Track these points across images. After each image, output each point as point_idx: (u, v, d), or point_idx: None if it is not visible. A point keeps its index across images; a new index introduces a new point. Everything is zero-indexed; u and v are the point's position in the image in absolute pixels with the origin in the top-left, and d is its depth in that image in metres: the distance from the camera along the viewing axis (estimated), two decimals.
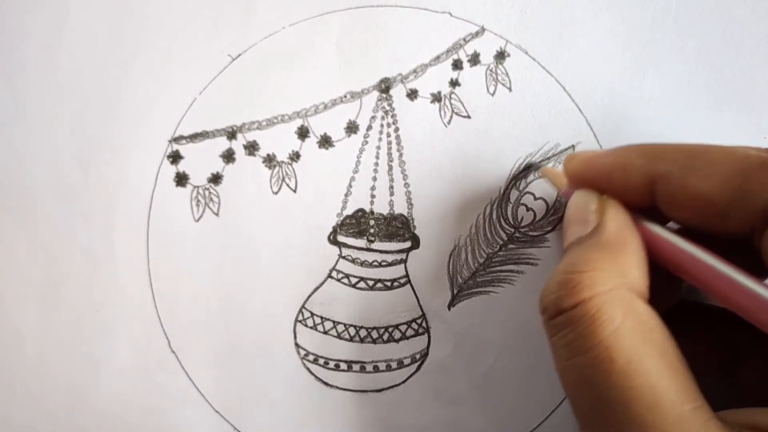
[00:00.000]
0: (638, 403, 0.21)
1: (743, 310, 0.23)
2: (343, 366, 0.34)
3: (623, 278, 0.23)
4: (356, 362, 0.34)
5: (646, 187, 0.25)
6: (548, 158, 0.33)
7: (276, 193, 0.34)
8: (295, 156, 0.34)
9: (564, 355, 0.23)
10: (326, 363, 0.34)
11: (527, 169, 0.33)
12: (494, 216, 0.34)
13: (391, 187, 0.34)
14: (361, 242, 0.34)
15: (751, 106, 0.34)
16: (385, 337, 0.34)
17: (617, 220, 0.25)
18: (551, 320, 0.24)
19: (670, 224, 0.27)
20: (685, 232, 0.25)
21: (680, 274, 0.25)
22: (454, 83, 0.33)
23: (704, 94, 0.34)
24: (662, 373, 0.21)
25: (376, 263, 0.34)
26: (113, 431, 0.33)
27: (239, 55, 0.34)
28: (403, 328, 0.34)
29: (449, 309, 0.33)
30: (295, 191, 0.34)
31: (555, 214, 0.34)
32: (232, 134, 0.34)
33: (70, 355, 0.33)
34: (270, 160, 0.34)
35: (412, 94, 0.33)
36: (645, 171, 0.25)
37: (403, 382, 0.34)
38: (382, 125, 0.34)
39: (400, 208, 0.34)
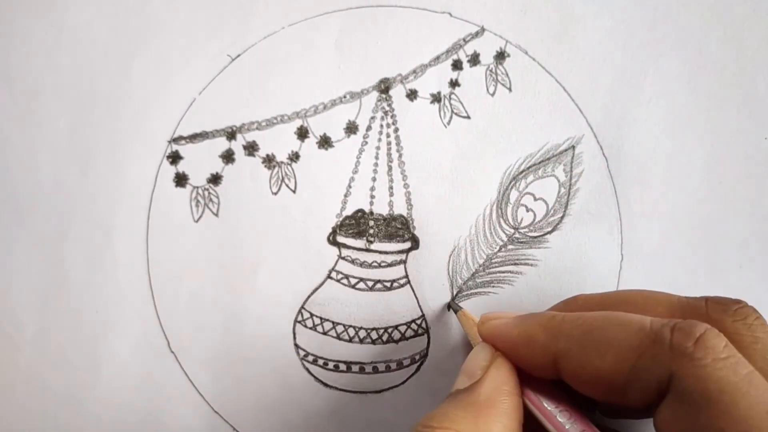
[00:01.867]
0: None
1: None
2: (343, 367, 0.34)
3: None
4: (356, 363, 0.34)
5: (550, 362, 0.25)
6: (549, 159, 0.33)
7: (275, 193, 0.34)
8: (295, 156, 0.34)
9: None
10: (326, 364, 0.34)
11: (447, 307, 0.33)
12: (494, 217, 0.33)
13: (391, 187, 0.34)
14: (361, 243, 0.34)
15: (752, 106, 0.34)
16: (385, 337, 0.34)
17: (496, 380, 0.26)
18: None
19: None
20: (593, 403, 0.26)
21: None
22: (454, 83, 0.33)
23: (705, 95, 0.33)
24: None
25: (375, 264, 0.34)
26: (112, 430, 0.33)
27: (239, 55, 0.34)
28: (402, 328, 0.33)
29: (449, 310, 0.33)
30: (294, 192, 0.34)
31: (555, 215, 0.33)
32: (231, 135, 0.34)
33: (71, 356, 0.33)
34: (269, 161, 0.34)
35: (412, 95, 0.33)
36: (546, 347, 0.25)
37: (403, 382, 0.34)
38: (381, 126, 0.33)
39: (400, 209, 0.34)
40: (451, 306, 0.33)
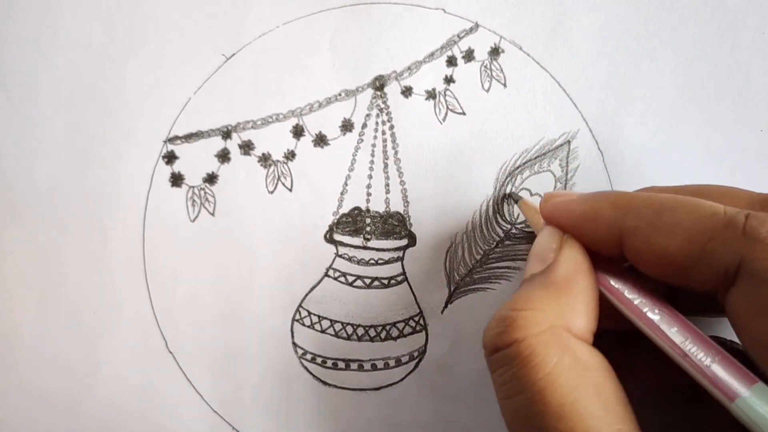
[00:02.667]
0: None
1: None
2: (341, 364, 0.34)
3: (562, 319, 0.23)
4: (354, 360, 0.34)
5: (615, 239, 0.25)
6: (544, 154, 0.33)
7: (272, 192, 0.34)
8: (291, 155, 0.34)
9: (501, 393, 0.23)
10: (324, 362, 0.34)
11: (505, 197, 0.33)
12: (490, 212, 0.33)
13: (387, 185, 0.34)
14: (358, 240, 0.34)
15: (747, 99, 0.34)
16: (383, 335, 0.33)
17: (571, 260, 0.25)
18: (489, 357, 0.24)
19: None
20: (655, 283, 0.25)
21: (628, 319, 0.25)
22: (449, 80, 0.33)
23: (700, 88, 0.33)
24: (597, 415, 0.21)
25: (372, 261, 0.34)
26: None
27: (233, 54, 0.34)
28: (400, 325, 0.33)
29: (446, 306, 0.33)
30: (290, 190, 0.34)
31: None
32: (227, 134, 0.34)
33: (68, 357, 0.33)
34: (265, 160, 0.34)
35: (407, 92, 0.33)
36: (613, 224, 0.25)
37: (402, 380, 0.34)
38: (377, 123, 0.33)
39: (396, 206, 0.34)
40: (512, 195, 0.33)
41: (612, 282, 0.25)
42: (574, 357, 0.22)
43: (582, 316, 0.24)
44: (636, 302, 0.24)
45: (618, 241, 0.25)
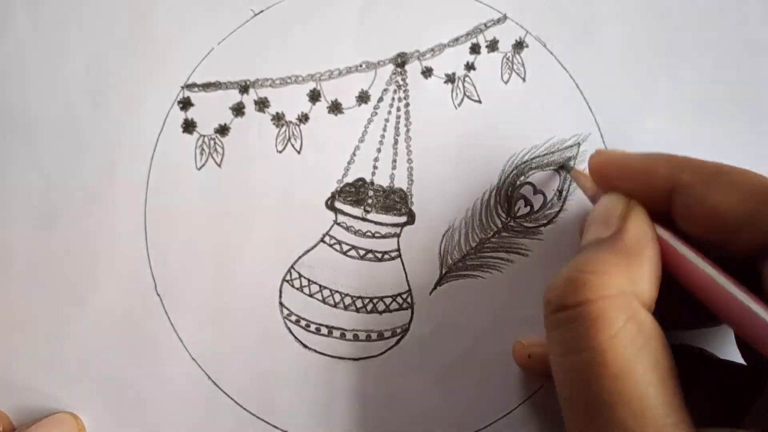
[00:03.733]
0: (624, 409, 0.21)
1: (742, 328, 0.23)
2: (324, 330, 0.34)
3: (632, 286, 0.23)
4: (337, 328, 0.34)
5: (666, 195, 0.25)
6: (553, 152, 0.34)
7: (280, 151, 0.34)
8: (304, 118, 0.34)
9: (559, 350, 0.23)
10: (307, 325, 0.34)
11: (560, 168, 0.33)
12: (492, 202, 0.34)
13: (394, 160, 0.34)
14: (358, 211, 0.34)
15: (763, 128, 0.34)
16: (369, 307, 0.34)
17: (639, 227, 0.25)
18: (552, 314, 0.24)
19: None
20: (696, 246, 0.26)
21: (690, 289, 0.25)
22: (470, 67, 0.34)
23: (715, 109, 0.34)
24: (652, 384, 0.22)
25: (369, 234, 0.34)
26: (90, 363, 0.33)
27: (262, 11, 0.34)
28: (387, 300, 0.34)
29: (435, 288, 0.34)
30: (299, 152, 0.34)
31: (552, 208, 0.34)
32: (244, 88, 0.34)
33: (57, 284, 0.34)
34: (278, 119, 0.34)
35: (427, 72, 0.34)
36: (668, 179, 0.25)
37: (381, 353, 0.34)
38: (393, 99, 0.34)
39: (401, 183, 0.34)
40: (565, 166, 0.33)
41: (674, 243, 0.25)
42: (639, 325, 0.22)
43: (649, 285, 0.24)
44: (697, 263, 0.24)
45: (668, 199, 0.25)
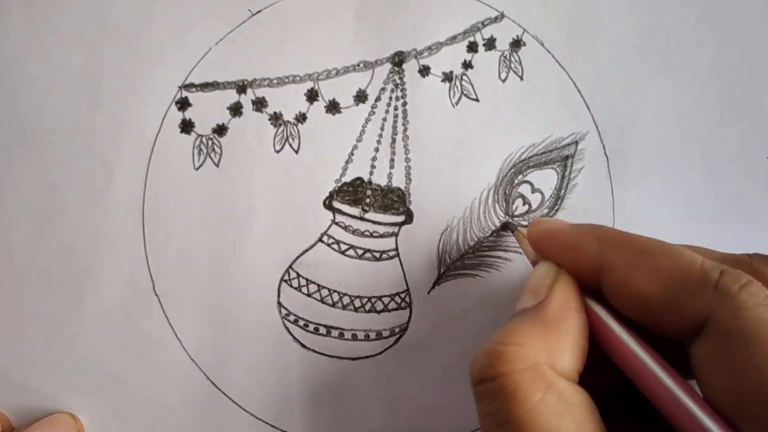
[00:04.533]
0: None
1: (665, 411, 0.23)
2: (323, 330, 0.34)
3: (548, 356, 0.24)
4: (335, 328, 0.34)
5: (595, 272, 0.26)
6: (551, 151, 0.34)
7: (278, 151, 0.34)
8: (302, 117, 0.34)
9: (485, 424, 0.24)
10: (306, 325, 0.34)
11: (503, 226, 0.33)
12: (490, 201, 0.34)
13: (392, 160, 0.34)
14: (356, 211, 0.34)
15: (758, 125, 0.34)
16: (367, 306, 0.34)
17: (563, 298, 0.26)
18: (475, 388, 0.24)
19: None
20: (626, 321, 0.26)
21: (615, 361, 0.25)
22: (467, 65, 0.34)
23: (713, 108, 0.34)
24: None
25: (367, 233, 0.34)
26: (88, 364, 0.33)
27: (259, 11, 0.34)
28: (386, 300, 0.34)
29: (434, 287, 0.34)
30: (297, 152, 0.34)
31: (549, 207, 0.34)
32: (242, 88, 0.34)
33: (55, 285, 0.34)
34: (276, 119, 0.34)
35: (425, 71, 0.34)
36: (595, 256, 0.26)
37: (380, 353, 0.34)
38: (390, 98, 0.34)
39: (399, 182, 0.34)
40: (509, 225, 0.33)
41: (602, 314, 0.26)
42: (557, 394, 0.23)
43: (568, 355, 0.24)
44: (624, 339, 0.25)
45: (596, 274, 0.26)
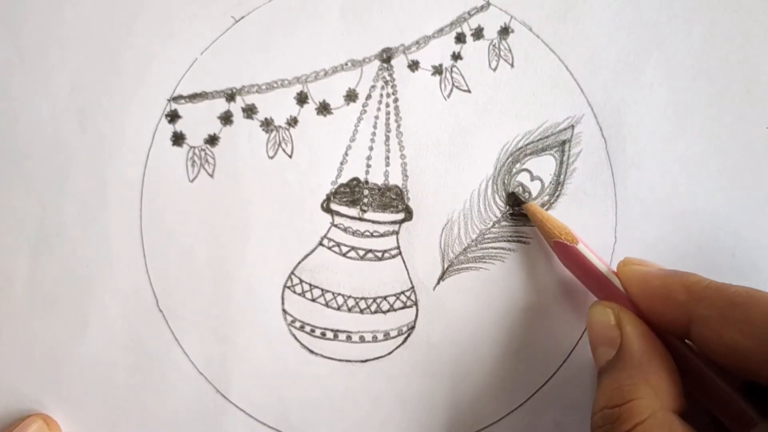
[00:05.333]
0: None
1: None
2: (329, 334, 0.34)
3: (659, 399, 0.24)
4: (342, 331, 0.33)
5: (684, 323, 0.26)
6: (547, 137, 0.33)
7: (272, 157, 0.34)
8: (293, 121, 0.34)
9: None
10: (312, 330, 0.33)
11: (512, 198, 0.33)
12: (489, 192, 0.33)
13: (388, 157, 0.33)
14: (354, 211, 0.33)
15: (755, 95, 0.33)
16: (373, 307, 0.33)
17: (638, 335, 0.26)
18: None
19: None
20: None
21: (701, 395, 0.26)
22: (456, 56, 0.33)
23: (708, 81, 0.33)
24: None
25: (368, 233, 0.34)
26: (96, 386, 0.33)
27: (242, 17, 0.33)
28: (391, 299, 0.33)
29: (439, 283, 0.33)
30: (290, 156, 0.34)
31: (550, 193, 0.33)
32: (231, 96, 0.34)
33: (59, 308, 0.33)
34: (267, 124, 0.34)
35: (414, 66, 0.33)
36: (685, 309, 0.26)
37: (389, 354, 0.33)
38: (381, 95, 0.33)
39: (396, 179, 0.33)
40: (516, 195, 0.33)
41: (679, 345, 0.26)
42: None
43: (672, 389, 0.25)
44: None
45: (686, 325, 0.25)
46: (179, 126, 0.34)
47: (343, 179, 0.34)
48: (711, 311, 0.25)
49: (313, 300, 0.33)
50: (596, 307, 0.28)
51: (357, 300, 0.33)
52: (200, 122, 0.34)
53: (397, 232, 0.33)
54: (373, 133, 0.33)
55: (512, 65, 0.33)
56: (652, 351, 0.26)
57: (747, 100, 0.33)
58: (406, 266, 0.33)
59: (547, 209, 0.33)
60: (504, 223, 0.33)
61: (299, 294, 0.34)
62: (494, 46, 0.33)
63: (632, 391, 0.25)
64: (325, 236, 0.34)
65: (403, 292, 0.33)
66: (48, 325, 0.33)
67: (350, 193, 0.33)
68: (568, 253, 0.30)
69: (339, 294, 0.34)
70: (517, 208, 0.33)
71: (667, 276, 0.27)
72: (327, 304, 0.34)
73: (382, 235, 0.33)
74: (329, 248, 0.33)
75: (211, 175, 0.34)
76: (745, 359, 0.24)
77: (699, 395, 0.27)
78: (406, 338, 0.33)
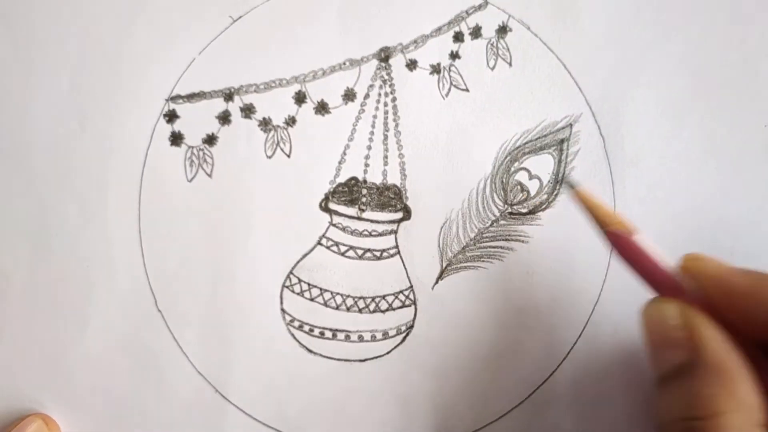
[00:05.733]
0: None
1: None
2: (328, 334, 0.34)
3: (747, 414, 0.22)
4: (341, 331, 0.33)
5: None
6: (546, 135, 0.33)
7: (270, 157, 0.34)
8: (291, 121, 0.34)
9: None
10: (311, 330, 0.34)
11: (564, 183, 0.32)
12: (487, 191, 0.33)
13: (386, 156, 0.33)
14: (352, 211, 0.33)
15: (754, 94, 0.33)
16: (372, 307, 0.33)
17: (716, 340, 0.23)
18: None
19: None
20: None
21: None
22: (455, 56, 0.33)
23: (707, 80, 0.33)
24: None
25: (366, 232, 0.33)
26: (95, 385, 0.33)
27: (240, 17, 0.33)
28: (390, 299, 0.33)
29: (438, 282, 0.33)
30: (289, 156, 0.34)
31: (548, 192, 0.33)
32: (229, 96, 0.34)
33: (57, 307, 0.33)
34: (266, 124, 0.34)
35: (412, 65, 0.33)
36: None
37: (387, 353, 0.33)
38: (379, 94, 0.33)
39: (394, 179, 0.33)
40: (568, 182, 0.30)
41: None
42: None
43: (757, 397, 0.22)
44: None
45: None
46: (177, 126, 0.34)
47: (342, 178, 0.34)
48: None
49: (312, 299, 0.33)
50: (658, 304, 0.25)
51: (356, 299, 0.33)
52: (198, 122, 0.34)
53: (395, 232, 0.33)
54: (372, 133, 0.33)
55: (510, 64, 0.33)
56: (737, 359, 0.23)
57: (745, 98, 0.33)
58: (404, 265, 0.33)
59: (545, 208, 0.33)
60: (502, 222, 0.33)
61: (298, 293, 0.34)
62: (492, 45, 0.33)
63: (721, 403, 0.22)
64: (323, 235, 0.34)
65: (401, 291, 0.33)
66: (47, 324, 0.34)
67: (349, 192, 0.33)
68: (625, 245, 0.27)
69: (338, 293, 0.34)
70: (563, 190, 0.31)
71: (755, 274, 0.24)
72: (326, 304, 0.34)
73: (380, 235, 0.33)
74: (328, 247, 0.33)
75: (210, 175, 0.34)
76: None
77: None
78: (404, 337, 0.33)
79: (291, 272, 0.34)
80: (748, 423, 0.22)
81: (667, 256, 0.27)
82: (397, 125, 0.33)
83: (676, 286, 0.25)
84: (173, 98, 0.34)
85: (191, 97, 0.34)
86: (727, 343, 0.23)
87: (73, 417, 0.33)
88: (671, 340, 0.24)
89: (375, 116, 0.33)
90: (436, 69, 0.33)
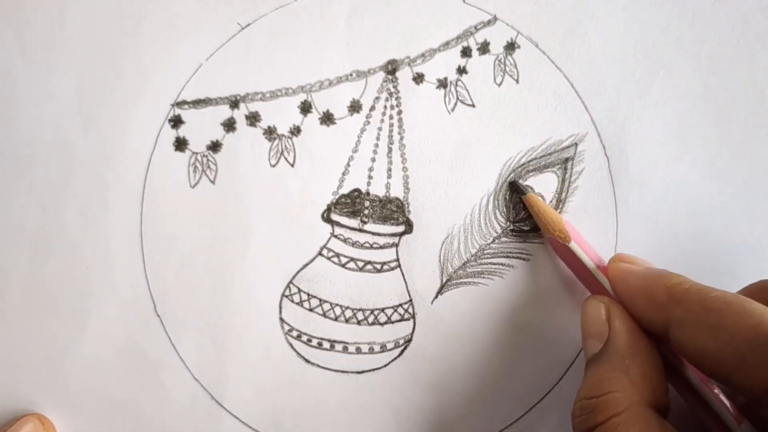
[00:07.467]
0: None
1: None
2: (326, 345, 0.33)
3: (637, 394, 0.25)
4: (339, 342, 0.33)
5: (663, 323, 0.26)
6: (550, 154, 0.33)
7: (274, 165, 0.33)
8: (296, 130, 0.33)
9: None
10: (309, 340, 0.33)
11: (511, 185, 0.33)
12: (490, 207, 0.33)
13: (390, 169, 0.33)
14: (354, 222, 0.33)
15: (760, 119, 0.33)
16: (371, 319, 0.33)
17: (624, 329, 0.27)
18: None
19: None
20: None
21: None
22: (462, 70, 0.33)
23: (713, 103, 0.33)
24: None
25: (367, 245, 0.33)
26: (92, 387, 0.33)
27: (249, 24, 0.33)
28: (389, 312, 0.33)
29: (437, 297, 0.33)
30: (292, 165, 0.33)
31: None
32: (234, 103, 0.34)
33: (56, 309, 0.33)
34: (270, 132, 0.33)
35: (419, 78, 0.33)
36: (664, 310, 0.26)
37: (385, 366, 0.33)
38: (385, 107, 0.33)
39: (397, 192, 0.33)
40: (517, 185, 0.33)
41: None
42: (657, 427, 0.24)
43: (654, 383, 0.25)
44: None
45: (664, 325, 0.26)
46: (182, 131, 0.34)
47: (345, 190, 0.33)
48: (687, 315, 0.25)
49: (311, 310, 0.33)
50: (589, 300, 0.29)
51: (354, 311, 0.33)
52: (203, 128, 0.34)
53: (396, 245, 0.33)
54: (376, 145, 0.33)
55: (517, 81, 0.33)
56: (636, 346, 0.26)
57: (752, 122, 0.33)
58: (404, 279, 0.33)
59: None
60: (504, 239, 0.33)
61: (297, 303, 0.34)
62: (500, 61, 0.33)
63: (612, 384, 0.25)
64: (324, 246, 0.33)
65: (401, 305, 0.33)
66: (45, 325, 0.34)
67: (351, 204, 0.33)
68: (561, 250, 0.31)
69: (337, 304, 0.33)
70: (516, 196, 0.33)
71: (651, 276, 0.27)
72: (324, 314, 0.33)
73: (381, 247, 0.33)
74: (328, 258, 0.33)
75: (213, 182, 0.34)
76: (717, 365, 0.24)
77: (686, 396, 0.28)
78: (402, 351, 0.33)
79: (291, 282, 0.34)
80: (637, 401, 0.24)
81: (599, 259, 0.30)
82: (402, 138, 0.33)
83: (601, 286, 0.29)
84: (179, 104, 0.34)
85: (197, 103, 0.34)
86: (636, 335, 0.26)
87: (69, 418, 0.33)
88: (595, 331, 0.27)
89: (380, 128, 0.33)
90: (442, 83, 0.33)
